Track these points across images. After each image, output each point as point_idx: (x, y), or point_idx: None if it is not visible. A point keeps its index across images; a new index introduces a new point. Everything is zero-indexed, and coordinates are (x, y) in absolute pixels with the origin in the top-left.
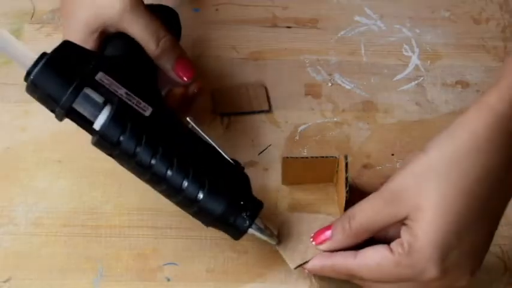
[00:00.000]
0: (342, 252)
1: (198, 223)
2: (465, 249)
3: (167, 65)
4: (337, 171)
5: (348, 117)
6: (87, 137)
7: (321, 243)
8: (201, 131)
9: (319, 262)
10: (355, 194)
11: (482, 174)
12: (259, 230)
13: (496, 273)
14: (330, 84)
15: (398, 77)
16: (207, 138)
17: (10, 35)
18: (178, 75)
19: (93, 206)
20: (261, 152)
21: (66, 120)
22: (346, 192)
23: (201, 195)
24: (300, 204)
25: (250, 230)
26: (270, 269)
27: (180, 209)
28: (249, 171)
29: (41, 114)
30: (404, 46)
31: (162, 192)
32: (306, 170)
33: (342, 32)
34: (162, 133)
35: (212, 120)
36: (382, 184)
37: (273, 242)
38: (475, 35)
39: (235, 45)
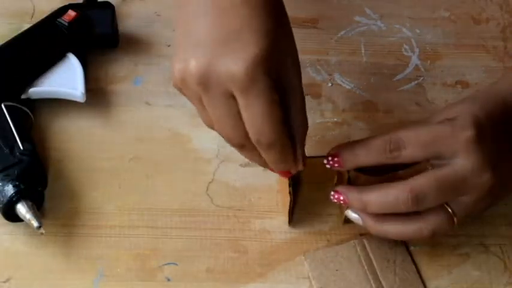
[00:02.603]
0: None
1: (198, 223)
2: (494, 143)
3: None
4: (336, 172)
5: (348, 117)
6: (88, 137)
7: None
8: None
9: (348, 145)
10: None
11: None
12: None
13: (496, 273)
14: (330, 84)
15: (398, 77)
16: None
17: None
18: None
19: (93, 206)
20: None
21: (69, 120)
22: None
23: None
24: (300, 203)
25: (18, 205)
26: (270, 269)
27: (180, 209)
28: (249, 171)
29: (41, 114)
30: (404, 46)
31: None
32: (305, 169)
33: (342, 32)
34: None
35: None
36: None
37: (35, 224)
38: (475, 35)
39: None
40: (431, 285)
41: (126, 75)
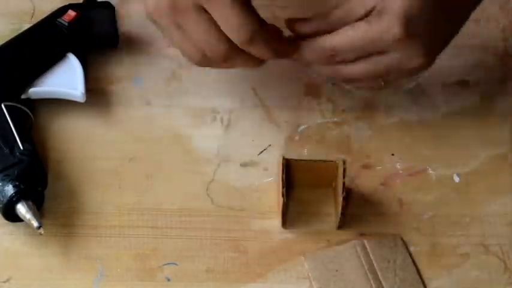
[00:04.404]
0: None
1: (198, 223)
2: (427, 30)
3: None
4: (336, 176)
5: (348, 117)
6: (87, 137)
7: None
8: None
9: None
10: (354, 197)
11: None
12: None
13: (496, 273)
14: (330, 84)
15: None
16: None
17: None
18: None
19: (93, 206)
20: (261, 152)
21: (69, 120)
22: (343, 198)
23: None
24: (299, 203)
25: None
26: (270, 269)
27: (180, 209)
28: (249, 171)
29: (41, 114)
30: None
31: None
32: (304, 173)
33: None
34: None
35: (212, 121)
36: (382, 184)
37: (35, 224)
38: (475, 35)
39: None
40: (431, 285)
41: (126, 75)
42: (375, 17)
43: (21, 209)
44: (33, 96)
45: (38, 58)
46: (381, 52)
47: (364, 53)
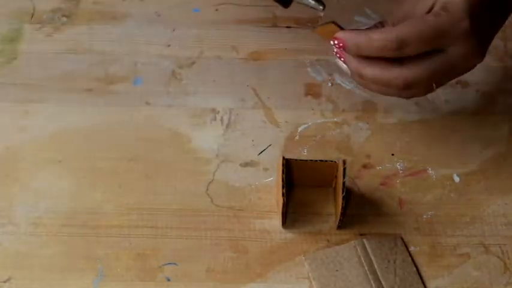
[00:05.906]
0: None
1: (198, 223)
2: (484, 26)
3: None
4: (336, 176)
5: (348, 117)
6: (87, 137)
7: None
8: None
9: (353, 36)
10: (354, 197)
11: None
12: None
13: (496, 273)
14: (330, 84)
15: None
16: None
17: None
18: None
19: (93, 206)
20: (261, 152)
21: (69, 120)
22: (343, 197)
23: None
24: (299, 203)
25: None
26: (270, 269)
27: (180, 209)
28: (249, 171)
29: (41, 114)
30: None
31: None
32: (304, 172)
33: None
34: None
35: (212, 121)
36: (382, 184)
37: (320, 7)
38: None
39: (235, 45)
40: (431, 285)
41: (126, 75)
42: (443, 11)
43: None
44: None
45: None
46: (441, 50)
47: (428, 47)
